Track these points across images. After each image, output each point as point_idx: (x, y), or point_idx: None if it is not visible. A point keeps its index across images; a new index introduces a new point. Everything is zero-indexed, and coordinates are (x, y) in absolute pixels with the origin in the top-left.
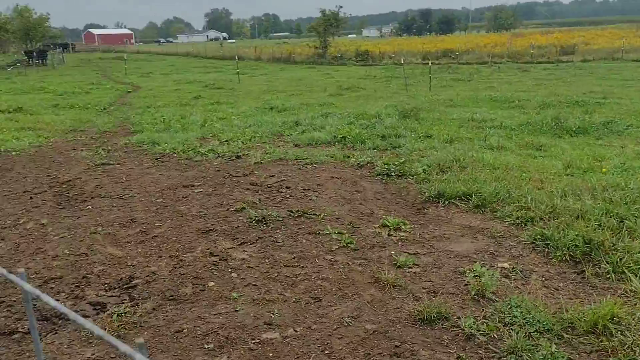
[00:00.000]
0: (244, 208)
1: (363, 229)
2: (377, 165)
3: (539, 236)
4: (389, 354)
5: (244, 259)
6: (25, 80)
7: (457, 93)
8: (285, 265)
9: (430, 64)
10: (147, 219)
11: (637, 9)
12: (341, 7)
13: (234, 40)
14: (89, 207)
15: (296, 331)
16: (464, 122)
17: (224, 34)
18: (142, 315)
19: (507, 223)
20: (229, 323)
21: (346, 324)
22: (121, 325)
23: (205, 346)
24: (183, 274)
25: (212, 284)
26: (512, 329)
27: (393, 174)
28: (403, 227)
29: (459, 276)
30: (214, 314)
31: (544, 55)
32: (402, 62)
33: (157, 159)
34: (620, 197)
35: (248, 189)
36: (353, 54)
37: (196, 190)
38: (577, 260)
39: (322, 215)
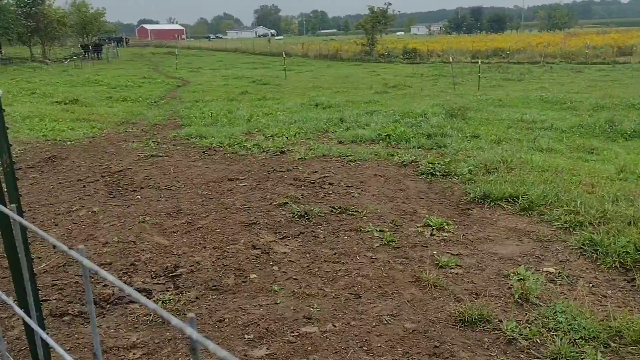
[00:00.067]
0: (287, 203)
1: (405, 228)
2: (421, 164)
3: (587, 241)
4: (428, 353)
5: (285, 252)
6: (81, 73)
7: (507, 93)
8: (325, 261)
9: (479, 62)
10: (192, 210)
11: None
12: (390, 4)
13: (281, 37)
14: (138, 197)
15: (335, 326)
16: (513, 122)
17: (272, 31)
18: (185, 303)
19: (554, 227)
20: (269, 315)
21: (385, 322)
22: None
23: (246, 336)
24: (226, 265)
25: (254, 276)
26: (555, 334)
27: (438, 173)
28: (446, 227)
29: (503, 279)
30: (255, 306)
31: (599, 56)
32: (451, 60)
33: (203, 152)
34: None
35: (291, 184)
36: (400, 51)
37: (241, 184)
38: (628, 267)
39: (364, 213)
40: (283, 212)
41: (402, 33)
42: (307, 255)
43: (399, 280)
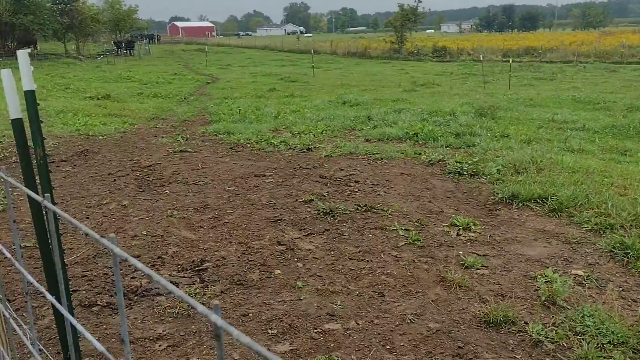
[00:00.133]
0: (313, 200)
1: (431, 227)
2: (449, 163)
3: (618, 244)
4: (452, 354)
5: (310, 249)
6: (114, 69)
7: (538, 92)
8: (350, 259)
9: (510, 61)
10: (219, 205)
11: None
12: (420, 1)
13: (310, 34)
14: (167, 191)
15: (358, 324)
16: (544, 122)
17: (301, 28)
18: (210, 297)
19: (584, 229)
20: (293, 311)
21: (409, 321)
22: (190, 306)
23: (269, 331)
24: (251, 261)
25: (278, 272)
26: (583, 338)
27: (465, 172)
28: (473, 227)
29: (529, 281)
30: (279, 301)
31: (635, 55)
32: (481, 58)
33: (231, 148)
34: None
35: (317, 181)
36: (430, 49)
37: (267, 180)
38: None
39: (389, 211)
40: (308, 209)
41: (432, 31)
42: (332, 252)
43: (423, 279)
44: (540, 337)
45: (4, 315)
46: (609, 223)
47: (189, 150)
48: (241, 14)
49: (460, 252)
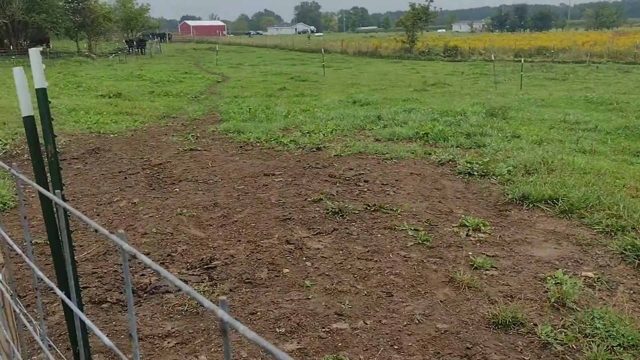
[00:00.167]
0: (322, 199)
1: (440, 228)
2: (459, 164)
3: (629, 246)
4: (460, 355)
5: (318, 248)
6: (125, 68)
7: (550, 93)
8: (358, 258)
9: (522, 61)
10: (228, 204)
11: None
12: (432, 1)
13: (321, 34)
14: (177, 189)
15: (366, 324)
16: (556, 123)
17: (312, 27)
18: (219, 295)
19: (595, 231)
20: (301, 310)
21: (417, 321)
22: (199, 303)
23: (277, 330)
24: (259, 259)
25: (287, 270)
26: (592, 340)
27: (475, 173)
28: (482, 228)
29: (539, 282)
30: (287, 300)
31: None
32: (493, 58)
33: (241, 147)
34: None
35: (326, 180)
36: (441, 49)
37: (276, 179)
38: None
39: (398, 211)
40: (317, 209)
41: (444, 30)
42: (340, 251)
43: (432, 280)
44: (550, 339)
45: (14, 311)
46: (621, 225)
47: (199, 148)
48: (252, 13)
49: (470, 253)
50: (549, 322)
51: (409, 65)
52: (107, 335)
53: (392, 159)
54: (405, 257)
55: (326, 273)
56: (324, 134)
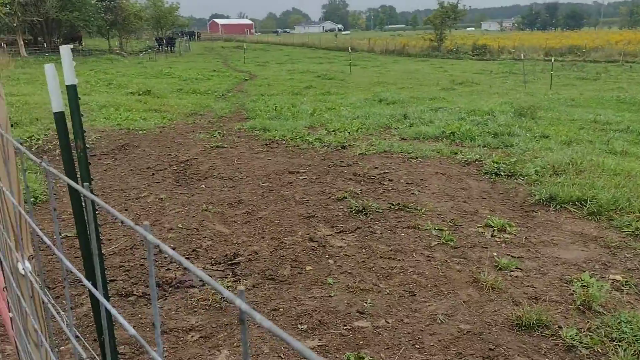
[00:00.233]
0: (346, 197)
1: (465, 228)
2: (485, 164)
3: None
4: (482, 356)
5: (341, 246)
6: (155, 66)
7: (581, 92)
8: (381, 257)
9: (552, 60)
10: (253, 201)
11: None
12: None
13: (348, 32)
14: (203, 186)
15: (388, 322)
16: (586, 123)
17: (340, 25)
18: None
19: (624, 233)
20: (323, 307)
21: (439, 321)
22: (223, 298)
23: (299, 326)
24: (283, 256)
25: (310, 268)
26: (619, 345)
27: (502, 173)
28: (508, 228)
29: (565, 284)
30: (309, 297)
31: None
32: (522, 57)
33: (266, 144)
34: None
35: (351, 179)
36: (470, 47)
37: (301, 177)
38: None
39: (423, 210)
40: (341, 207)
41: (473, 29)
42: (363, 250)
43: (455, 280)
44: (574, 342)
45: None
46: None
47: (225, 146)
48: (280, 11)
49: (494, 254)
50: (574, 325)
51: (436, 63)
52: (132, 327)
53: (417, 158)
54: (428, 256)
55: (349, 271)
56: (349, 133)
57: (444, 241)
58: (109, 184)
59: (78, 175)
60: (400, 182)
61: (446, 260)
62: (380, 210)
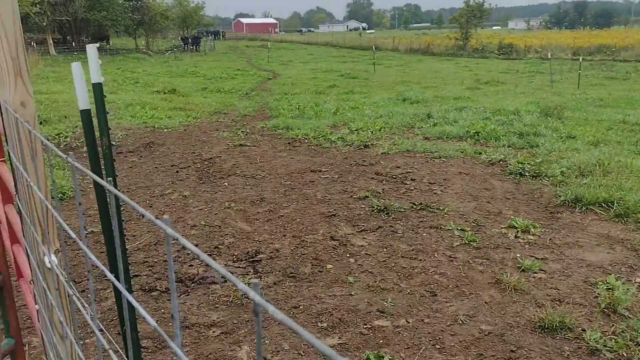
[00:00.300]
0: (367, 196)
1: (488, 228)
2: (510, 164)
3: None
4: (503, 357)
5: (362, 245)
6: (180, 65)
7: (610, 92)
8: (403, 256)
9: (580, 59)
10: (275, 199)
11: None
12: None
13: (372, 31)
14: (225, 183)
15: (408, 322)
16: (614, 124)
17: (364, 24)
18: (263, 288)
19: None
20: (343, 305)
21: (460, 322)
22: (243, 295)
23: (319, 324)
24: (304, 254)
25: (330, 266)
26: None
27: (527, 174)
28: (532, 230)
29: (589, 287)
30: (330, 295)
31: None
32: (549, 56)
33: (289, 143)
34: None
35: (373, 178)
36: (495, 46)
37: (323, 176)
38: None
39: (445, 210)
40: (363, 206)
41: (499, 27)
42: (384, 249)
43: (477, 281)
44: (598, 346)
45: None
46: None
47: (248, 144)
48: (304, 10)
49: (518, 255)
50: (599, 328)
51: (461, 62)
52: (156, 322)
53: (440, 157)
54: (450, 257)
55: (369, 270)
56: (372, 132)
57: (467, 242)
58: (134, 181)
59: (104, 172)
60: (422, 181)
61: (468, 261)
62: (402, 210)
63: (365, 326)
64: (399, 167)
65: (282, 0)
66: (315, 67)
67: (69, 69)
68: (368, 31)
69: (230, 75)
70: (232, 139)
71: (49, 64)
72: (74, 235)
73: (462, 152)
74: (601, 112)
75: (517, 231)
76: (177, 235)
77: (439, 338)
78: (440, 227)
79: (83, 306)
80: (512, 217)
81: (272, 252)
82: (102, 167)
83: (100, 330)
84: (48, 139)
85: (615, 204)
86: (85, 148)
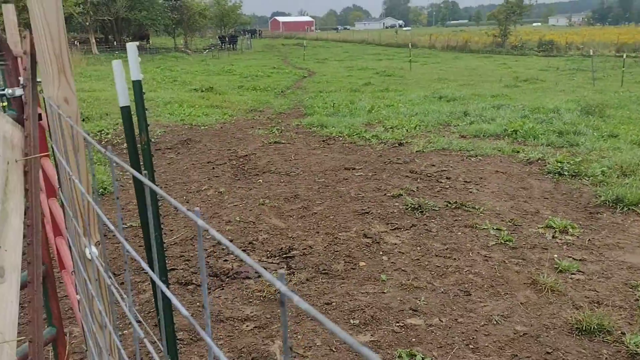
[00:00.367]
0: (401, 195)
1: (525, 228)
2: (548, 163)
3: None
4: (539, 359)
5: (396, 244)
6: (218, 63)
7: None
8: (436, 255)
9: (624, 56)
10: (309, 196)
11: None
12: None
13: (409, 28)
14: (260, 180)
15: (441, 321)
16: None
17: (400, 22)
18: (296, 284)
19: None
20: (376, 303)
21: (495, 322)
22: (277, 290)
23: (351, 321)
24: (337, 251)
25: (363, 264)
26: None
27: (566, 173)
28: (570, 230)
29: (630, 289)
30: (362, 293)
31: None
32: (591, 53)
33: (323, 141)
34: None
35: (407, 176)
36: (535, 43)
37: (357, 174)
38: None
39: (481, 210)
40: (396, 204)
41: (539, 24)
42: (418, 248)
43: (513, 281)
44: (639, 350)
45: (107, 285)
46: None
47: (283, 141)
48: (340, 8)
49: (555, 256)
50: (639, 331)
51: (500, 60)
52: (190, 315)
53: (476, 156)
54: (485, 256)
55: (402, 268)
56: (407, 130)
57: (503, 241)
58: (171, 177)
59: (142, 168)
60: (458, 180)
61: (504, 261)
62: (437, 209)
63: (397, 324)
64: (434, 165)
65: None
66: (350, 64)
67: (111, 68)
68: (404, 28)
69: (266, 74)
70: (267, 137)
71: (92, 63)
72: (112, 227)
73: (499, 150)
74: None
75: (555, 231)
76: (207, 226)
77: (473, 338)
78: (476, 226)
79: (121, 297)
80: (550, 217)
81: (305, 249)
82: (142, 163)
83: (138, 321)
84: (89, 135)
85: None
86: (125, 145)
